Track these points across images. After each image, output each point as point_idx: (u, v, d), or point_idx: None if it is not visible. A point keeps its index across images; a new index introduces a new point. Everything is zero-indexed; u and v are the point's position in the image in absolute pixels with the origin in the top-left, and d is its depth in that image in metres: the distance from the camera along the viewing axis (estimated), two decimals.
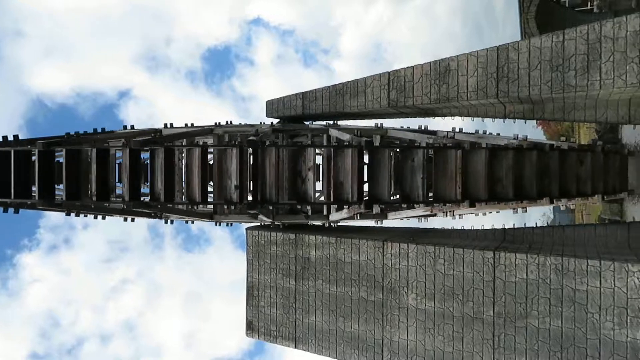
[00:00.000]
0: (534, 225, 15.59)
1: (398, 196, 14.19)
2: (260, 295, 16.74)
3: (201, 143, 16.43)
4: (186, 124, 17.51)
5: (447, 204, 13.67)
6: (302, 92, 17.56)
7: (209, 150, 14.56)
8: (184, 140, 16.13)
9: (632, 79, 11.60)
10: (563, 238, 14.75)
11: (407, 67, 15.00)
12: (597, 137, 30.03)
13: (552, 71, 12.60)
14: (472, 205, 12.90)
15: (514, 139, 15.53)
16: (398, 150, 14.79)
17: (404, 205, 14.52)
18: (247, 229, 17.30)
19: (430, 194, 13.56)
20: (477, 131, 17.13)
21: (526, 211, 16.05)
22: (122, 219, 16.45)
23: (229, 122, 17.75)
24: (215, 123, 16.79)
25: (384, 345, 14.26)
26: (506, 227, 15.41)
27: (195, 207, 16.44)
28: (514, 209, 15.91)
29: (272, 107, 18.39)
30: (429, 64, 14.55)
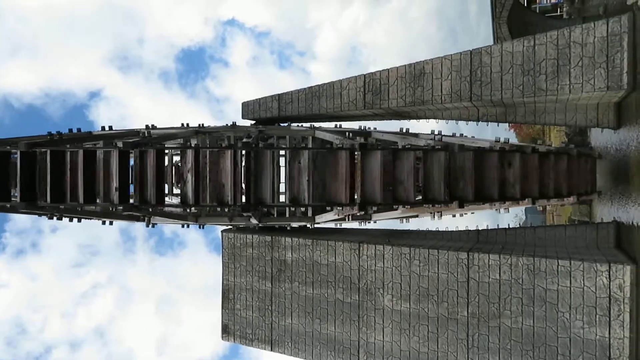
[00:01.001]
0: (507, 227, 15.88)
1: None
2: (236, 298, 16.60)
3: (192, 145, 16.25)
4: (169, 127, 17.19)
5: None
6: (278, 94, 17.53)
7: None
8: (168, 142, 15.87)
9: (600, 84, 11.94)
10: (535, 239, 15.05)
11: (383, 70, 15.13)
12: (567, 140, 30.77)
13: (523, 75, 12.87)
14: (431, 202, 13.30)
15: (497, 141, 15.84)
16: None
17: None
18: (222, 231, 17.15)
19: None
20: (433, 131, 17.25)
21: (508, 211, 16.50)
22: (100, 222, 16.07)
23: (210, 125, 17.56)
24: (199, 125, 16.58)
25: (360, 347, 14.31)
26: (480, 228, 15.65)
27: (189, 210, 16.15)
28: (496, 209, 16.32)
29: (248, 108, 18.29)
30: (404, 67, 14.69)
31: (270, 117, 17.71)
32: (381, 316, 13.93)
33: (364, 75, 15.49)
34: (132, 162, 13.00)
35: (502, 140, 15.64)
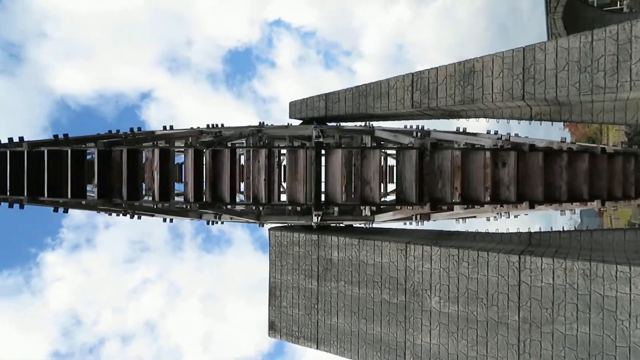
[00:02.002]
0: (561, 230, 15.30)
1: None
2: (282, 295, 16.80)
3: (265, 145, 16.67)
4: (222, 125, 17.61)
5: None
6: (325, 94, 17.59)
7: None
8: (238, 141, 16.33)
9: None
10: (591, 242, 14.44)
11: (431, 69, 14.91)
12: (627, 139, 29.33)
13: (580, 72, 12.37)
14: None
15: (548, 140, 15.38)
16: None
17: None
18: (270, 229, 17.39)
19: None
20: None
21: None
22: (161, 218, 16.67)
23: (270, 124, 17.90)
24: (260, 123, 16.96)
25: (406, 348, 14.17)
26: (532, 230, 15.16)
27: (260, 208, 16.57)
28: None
29: (296, 108, 18.46)
30: (453, 65, 14.42)
31: (317, 116, 17.80)
32: (428, 318, 13.74)
33: (412, 74, 15.31)
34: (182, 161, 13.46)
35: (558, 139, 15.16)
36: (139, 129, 16.31)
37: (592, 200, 13.38)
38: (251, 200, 13.71)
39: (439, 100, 14.73)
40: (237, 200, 16.00)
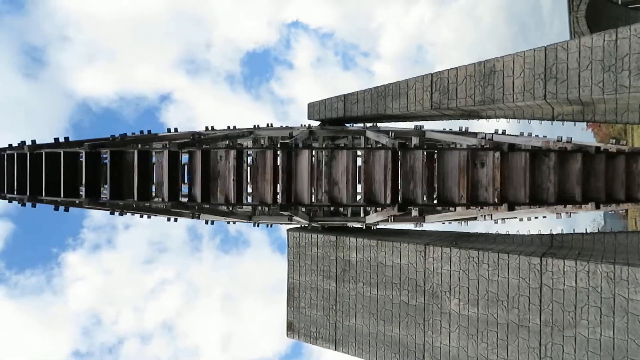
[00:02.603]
0: (584, 232, 15.04)
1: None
2: (300, 296, 16.83)
3: (238, 146, 16.73)
4: (228, 127, 17.84)
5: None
6: (344, 95, 17.58)
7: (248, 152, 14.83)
8: (222, 143, 16.42)
9: None
10: (615, 245, 14.16)
11: (451, 69, 14.79)
12: None
13: (604, 71, 12.14)
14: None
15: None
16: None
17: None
18: (288, 230, 17.45)
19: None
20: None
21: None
22: (164, 218, 16.92)
23: (269, 125, 17.97)
24: (254, 126, 17.02)
25: (425, 351, 14.07)
26: (554, 232, 14.93)
27: (232, 209, 16.65)
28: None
29: (314, 109, 18.48)
30: (473, 65, 14.29)
31: (336, 117, 17.80)
32: (447, 320, 13.62)
33: (431, 74, 15.20)
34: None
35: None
36: (149, 131, 16.54)
37: (585, 202, 12.88)
38: (224, 201, 13.75)
39: (459, 101, 14.60)
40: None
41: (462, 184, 12.49)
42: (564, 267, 11.82)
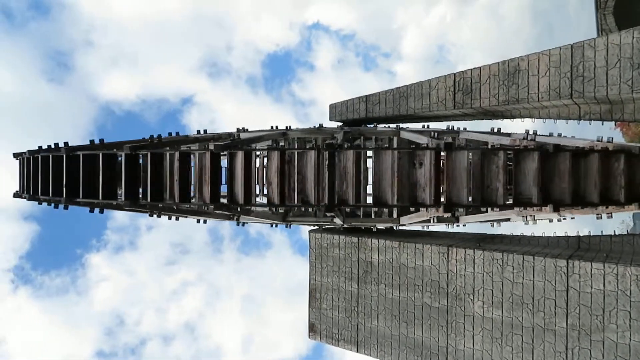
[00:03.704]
0: (612, 233, 14.68)
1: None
2: (322, 297, 16.82)
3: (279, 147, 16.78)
4: (258, 129, 17.83)
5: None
6: (365, 96, 17.54)
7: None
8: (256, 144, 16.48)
9: None
10: None
11: (474, 68, 14.61)
12: None
13: (632, 69, 11.84)
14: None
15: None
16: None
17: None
18: (310, 231, 17.46)
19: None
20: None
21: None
22: (195, 220, 17.06)
23: (297, 127, 17.99)
24: (287, 127, 17.08)
25: (448, 354, 13.91)
26: (581, 234, 14.61)
27: (274, 210, 16.67)
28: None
29: (336, 110, 18.48)
30: (497, 64, 14.09)
31: (358, 118, 17.76)
32: (471, 323, 13.44)
33: (454, 74, 15.05)
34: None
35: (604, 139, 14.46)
36: (177, 133, 16.73)
37: (545, 204, 12.05)
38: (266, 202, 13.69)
39: (482, 101, 14.41)
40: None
41: (393, 185, 12.21)
42: (591, 270, 11.56)
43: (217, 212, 15.22)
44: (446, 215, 13.15)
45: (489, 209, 13.95)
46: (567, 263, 11.91)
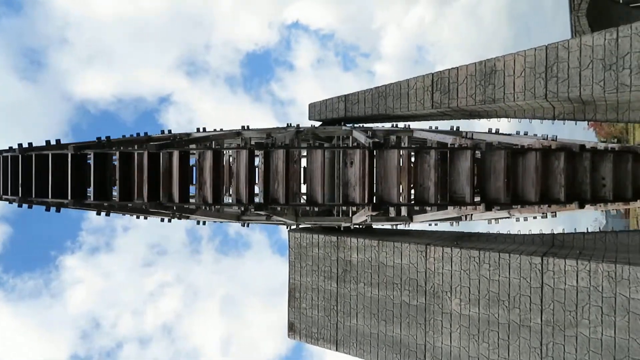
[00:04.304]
0: (585, 231, 15.01)
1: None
2: (302, 297, 16.82)
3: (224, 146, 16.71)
4: (215, 129, 17.70)
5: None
6: (345, 95, 17.58)
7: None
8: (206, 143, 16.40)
9: None
10: (616, 244, 14.12)
11: (452, 68, 14.77)
12: None
13: (605, 70, 12.11)
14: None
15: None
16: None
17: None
18: (289, 231, 17.44)
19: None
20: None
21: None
22: (142, 217, 16.82)
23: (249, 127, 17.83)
24: (242, 126, 16.99)
25: (426, 351, 14.05)
26: (555, 232, 14.90)
27: (210, 208, 16.55)
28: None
29: (315, 110, 18.48)
30: (474, 64, 14.27)
31: (337, 117, 17.80)
32: (449, 320, 13.60)
33: (432, 74, 15.19)
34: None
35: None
36: (169, 131, 16.54)
37: (478, 203, 11.91)
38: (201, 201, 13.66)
39: (460, 101, 14.58)
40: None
41: (324, 184, 12.34)
42: (565, 267, 11.80)
43: (154, 210, 15.04)
44: (374, 213, 13.16)
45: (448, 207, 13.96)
46: (542, 260, 12.14)
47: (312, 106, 18.65)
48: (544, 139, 13.91)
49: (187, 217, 16.34)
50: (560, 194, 12.03)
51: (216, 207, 15.90)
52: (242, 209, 15.88)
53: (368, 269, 15.22)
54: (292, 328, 17.13)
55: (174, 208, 14.87)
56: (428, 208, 15.09)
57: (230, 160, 16.19)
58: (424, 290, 14.07)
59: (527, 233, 15.16)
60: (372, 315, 15.11)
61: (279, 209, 15.37)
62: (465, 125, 16.66)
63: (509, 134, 15.53)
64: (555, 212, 14.18)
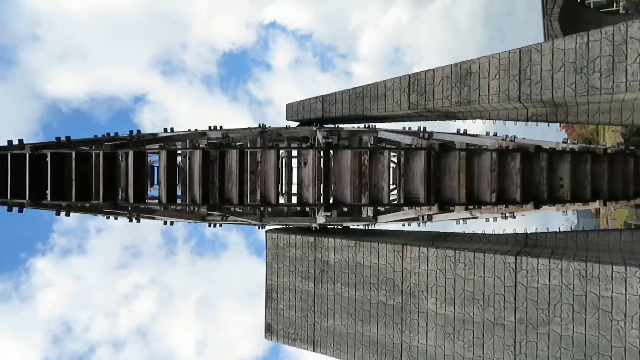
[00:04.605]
0: (557, 230, 15.32)
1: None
2: (279, 298, 16.77)
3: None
4: (189, 129, 17.51)
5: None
6: (322, 96, 17.60)
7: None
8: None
9: None
10: (587, 243, 14.46)
11: (428, 70, 14.92)
12: (624, 140, 29.40)
13: (576, 73, 12.39)
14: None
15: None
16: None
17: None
18: (266, 231, 17.37)
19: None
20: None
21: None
22: (105, 217, 16.59)
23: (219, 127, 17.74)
24: (210, 127, 16.89)
25: (402, 350, 14.15)
26: (528, 231, 15.17)
27: (165, 208, 16.44)
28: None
29: (292, 110, 18.46)
30: (449, 66, 14.44)
31: (314, 118, 17.80)
32: (425, 319, 13.73)
33: (409, 75, 15.32)
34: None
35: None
36: (139, 131, 16.28)
37: (428, 204, 12.07)
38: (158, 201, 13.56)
39: (436, 102, 14.74)
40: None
41: (279, 184, 12.59)
42: (537, 266, 12.03)
43: (109, 211, 14.87)
44: (328, 213, 13.31)
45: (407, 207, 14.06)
46: (516, 259, 12.35)
47: (289, 106, 18.62)
48: (502, 140, 14.12)
49: (153, 218, 16.15)
50: (517, 194, 12.21)
51: (171, 207, 15.77)
52: (197, 209, 15.77)
53: (345, 269, 15.27)
54: (269, 329, 17.07)
55: (130, 208, 14.70)
56: (381, 209, 15.30)
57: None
58: (400, 290, 14.18)
59: (502, 233, 15.42)
60: (350, 316, 15.16)
61: (233, 209, 15.34)
62: (441, 126, 16.90)
63: (475, 135, 15.77)
64: (514, 213, 14.45)
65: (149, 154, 14.07)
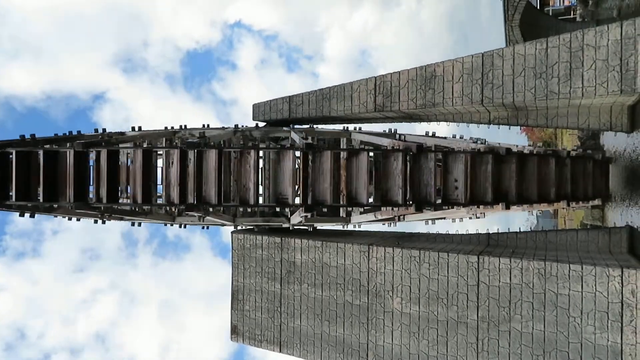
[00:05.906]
0: (518, 230, 15.76)
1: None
2: (245, 299, 16.65)
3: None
4: (157, 129, 17.23)
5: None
6: (289, 96, 17.58)
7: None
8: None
9: (614, 87, 11.83)
10: (546, 243, 14.93)
11: (394, 73, 15.11)
12: (580, 143, 30.50)
13: (535, 78, 12.79)
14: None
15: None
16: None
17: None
18: (232, 232, 17.21)
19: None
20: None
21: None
22: (74, 219, 16.18)
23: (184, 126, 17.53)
24: (181, 126, 16.68)
25: (369, 350, 14.27)
26: (490, 232, 15.55)
27: (137, 208, 16.20)
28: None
29: (259, 110, 18.36)
30: (415, 69, 14.67)
31: (281, 118, 17.77)
32: (390, 319, 13.88)
33: (375, 77, 15.48)
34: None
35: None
36: (104, 129, 15.85)
37: (409, 205, 12.54)
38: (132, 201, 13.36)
39: (401, 104, 14.94)
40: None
41: (217, 184, 12.65)
42: (499, 265, 12.34)
43: (81, 211, 14.58)
44: (307, 213, 13.49)
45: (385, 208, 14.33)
46: (478, 259, 12.64)
47: (256, 107, 18.52)
48: (473, 142, 14.57)
49: (121, 218, 15.79)
50: (487, 195, 12.84)
51: (147, 207, 15.49)
52: (174, 209, 15.56)
53: (312, 270, 15.28)
54: (235, 331, 16.92)
55: (102, 209, 14.35)
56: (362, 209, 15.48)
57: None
58: (366, 289, 14.29)
59: (465, 233, 15.75)
60: (316, 316, 15.18)
61: (211, 209, 15.20)
62: (406, 128, 17.16)
63: (444, 137, 16.18)
64: (484, 213, 14.87)
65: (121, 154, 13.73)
